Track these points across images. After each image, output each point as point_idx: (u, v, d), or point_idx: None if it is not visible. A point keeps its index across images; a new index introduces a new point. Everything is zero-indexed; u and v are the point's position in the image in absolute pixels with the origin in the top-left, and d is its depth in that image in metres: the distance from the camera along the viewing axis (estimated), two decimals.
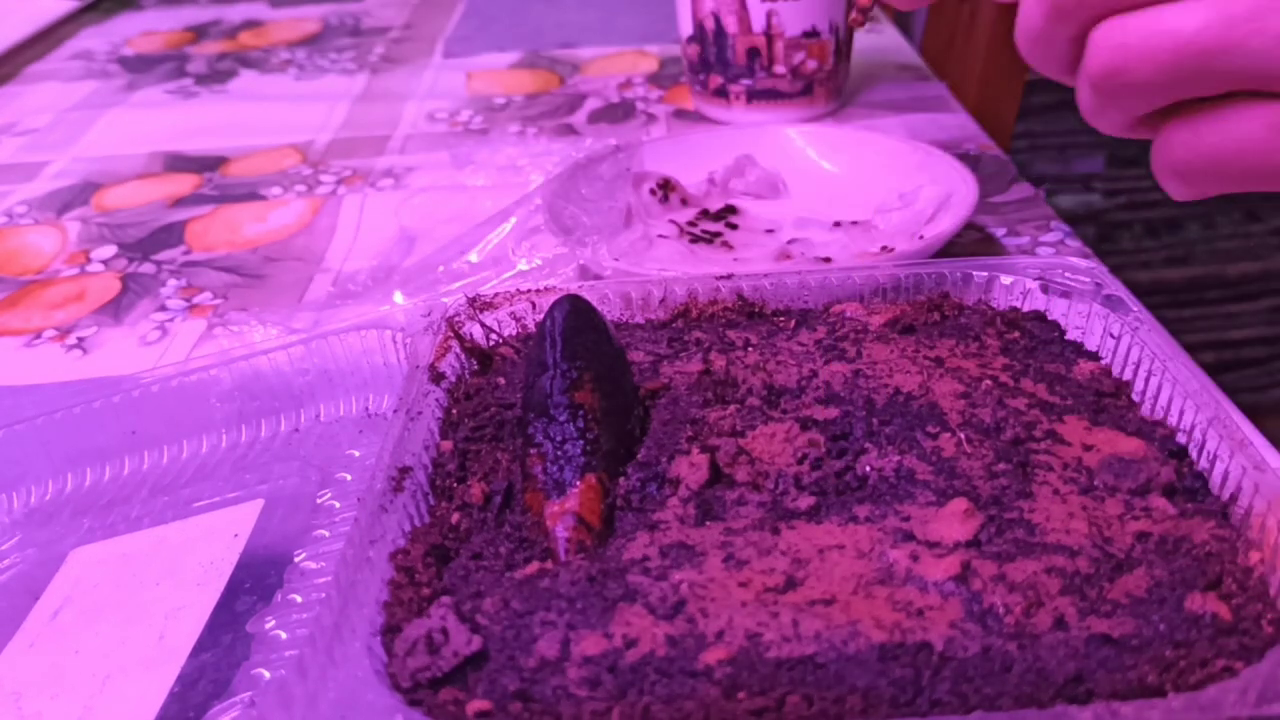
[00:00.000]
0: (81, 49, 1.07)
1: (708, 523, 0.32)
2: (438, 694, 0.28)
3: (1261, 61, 0.32)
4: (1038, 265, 0.43)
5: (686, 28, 0.75)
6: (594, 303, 0.37)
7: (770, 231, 0.59)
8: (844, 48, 0.74)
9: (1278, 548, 0.30)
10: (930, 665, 0.27)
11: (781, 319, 0.43)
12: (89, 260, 0.66)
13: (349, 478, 0.42)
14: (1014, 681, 0.27)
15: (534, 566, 0.31)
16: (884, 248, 0.54)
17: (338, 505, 0.41)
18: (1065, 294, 0.41)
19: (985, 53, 0.95)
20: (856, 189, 0.62)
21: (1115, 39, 0.33)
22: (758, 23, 0.71)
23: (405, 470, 0.35)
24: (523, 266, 0.57)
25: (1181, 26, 0.32)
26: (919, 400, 0.36)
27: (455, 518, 0.34)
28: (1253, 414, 0.39)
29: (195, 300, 0.60)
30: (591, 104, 0.84)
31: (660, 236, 0.57)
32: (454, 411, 0.39)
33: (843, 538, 0.31)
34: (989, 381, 0.38)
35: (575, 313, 0.36)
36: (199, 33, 1.10)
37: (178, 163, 0.79)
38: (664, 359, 0.40)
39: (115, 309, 0.60)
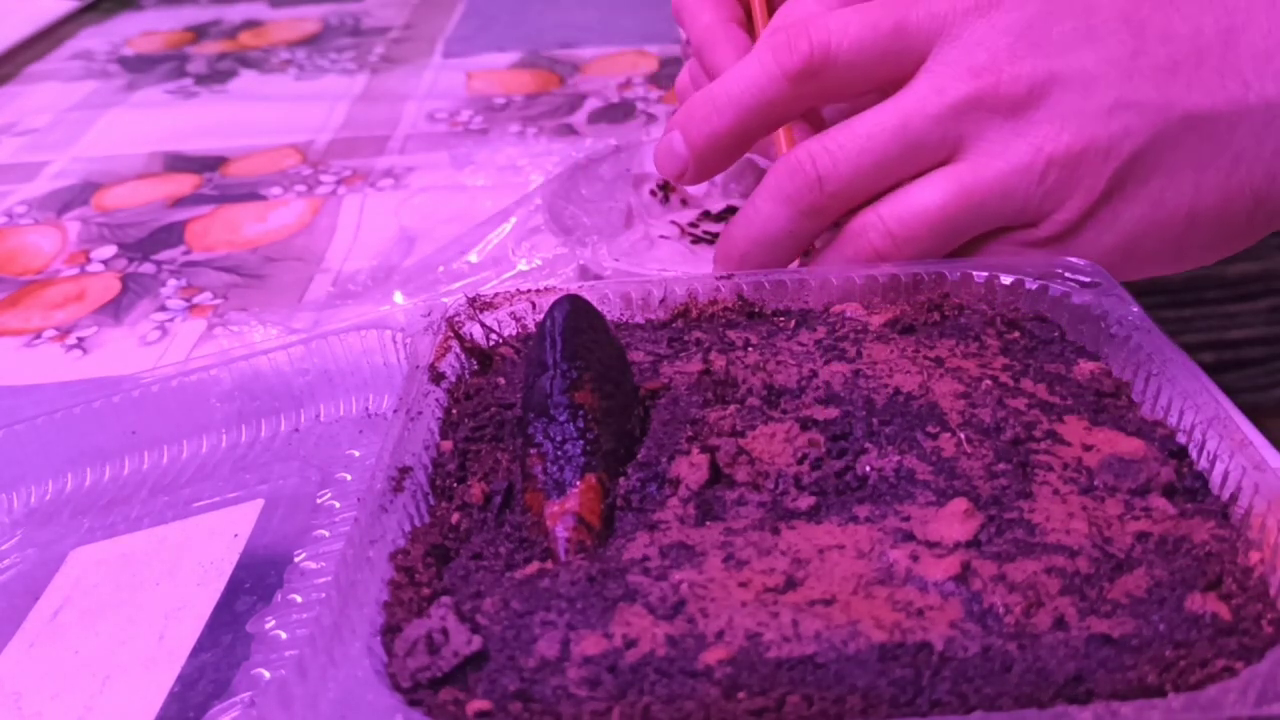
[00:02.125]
0: (81, 49, 1.07)
1: (708, 523, 0.32)
2: (438, 694, 0.28)
3: (999, 212, 0.38)
4: (1038, 265, 0.43)
5: None
6: (594, 303, 0.37)
7: None
8: None
9: (1278, 548, 0.30)
10: (930, 665, 0.27)
11: (781, 319, 0.43)
12: (89, 260, 0.66)
13: (349, 478, 0.42)
14: (1014, 681, 0.27)
15: (534, 566, 0.31)
16: None
17: (338, 505, 0.41)
18: (1065, 294, 0.41)
19: None
20: None
21: (879, 229, 0.39)
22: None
23: (405, 470, 0.35)
24: (523, 266, 0.57)
25: (929, 204, 0.38)
26: (919, 400, 0.36)
27: (455, 518, 0.34)
28: (1253, 414, 0.39)
29: (195, 300, 0.60)
30: (591, 104, 0.84)
31: (662, 237, 0.57)
32: (454, 411, 0.39)
33: (843, 538, 0.31)
34: (989, 381, 0.38)
35: (575, 313, 0.36)
36: (199, 33, 1.10)
37: (178, 163, 0.79)
38: (664, 359, 0.40)
39: (115, 309, 0.60)
